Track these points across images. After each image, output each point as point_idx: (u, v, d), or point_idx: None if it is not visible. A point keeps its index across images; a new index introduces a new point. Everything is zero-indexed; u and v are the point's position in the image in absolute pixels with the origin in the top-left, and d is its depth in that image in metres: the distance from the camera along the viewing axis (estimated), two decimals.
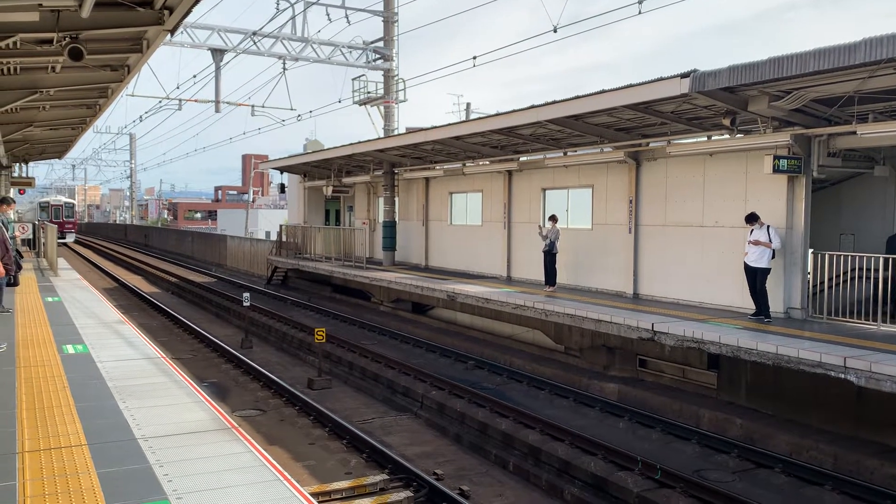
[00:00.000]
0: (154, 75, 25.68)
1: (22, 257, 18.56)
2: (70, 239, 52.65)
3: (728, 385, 11.68)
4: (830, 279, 11.94)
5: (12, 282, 15.31)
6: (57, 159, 40.70)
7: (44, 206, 52.80)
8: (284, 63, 25.83)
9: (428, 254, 23.35)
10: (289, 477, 5.02)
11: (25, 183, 30.80)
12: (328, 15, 25.22)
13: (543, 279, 16.52)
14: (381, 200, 24.86)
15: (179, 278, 31.04)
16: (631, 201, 15.34)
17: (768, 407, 10.92)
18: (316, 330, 13.84)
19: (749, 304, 12.32)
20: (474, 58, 19.60)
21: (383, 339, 17.74)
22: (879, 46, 8.70)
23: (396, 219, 24.32)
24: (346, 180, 27.40)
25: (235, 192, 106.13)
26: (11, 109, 13.49)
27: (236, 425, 6.13)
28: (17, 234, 17.14)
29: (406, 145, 20.58)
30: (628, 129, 15.16)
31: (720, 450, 9.65)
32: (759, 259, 11.91)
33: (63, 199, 56.81)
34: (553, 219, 16.28)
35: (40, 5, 7.50)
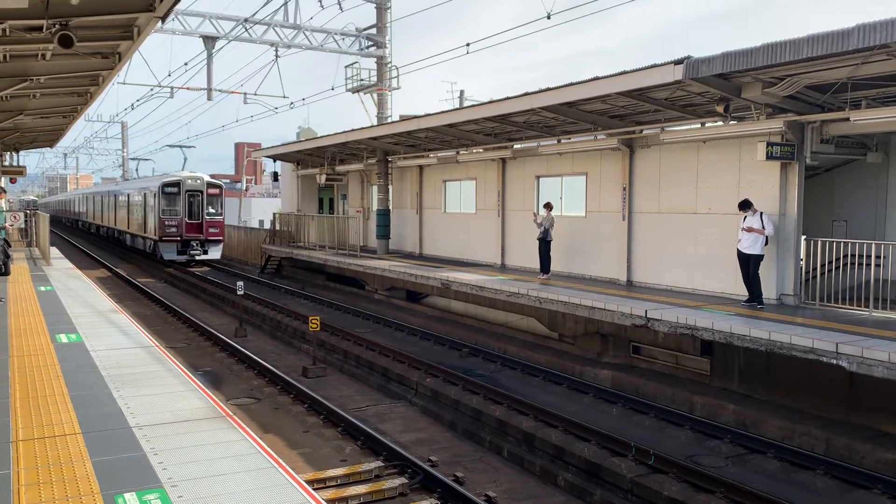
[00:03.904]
0: (145, 63, 25.38)
1: (10, 246, 18.47)
2: (214, 254, 31.16)
3: (721, 371, 11.75)
4: (823, 265, 11.98)
5: (2, 271, 15.26)
6: (48, 148, 40.33)
7: (169, 192, 30.27)
8: (277, 50, 25.66)
9: (422, 242, 23.33)
10: (283, 464, 5.03)
11: (16, 172, 30.55)
12: (320, 1, 25.04)
13: (537, 267, 16.53)
14: (375, 188, 24.79)
15: (173, 267, 30.92)
16: (624, 188, 15.35)
17: (761, 392, 10.99)
18: (310, 318, 13.84)
19: (742, 291, 12.36)
20: (468, 45, 19.51)
21: (378, 328, 17.75)
22: (873, 32, 8.69)
23: (390, 207, 24.28)
24: (340, 168, 27.30)
25: (228, 181, 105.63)
26: (1, 98, 13.38)
27: (231, 413, 6.14)
28: (6, 224, 17.07)
29: (399, 133, 20.51)
30: (622, 117, 15.14)
31: (713, 435, 9.71)
32: (752, 246, 11.94)
33: (204, 177, 31.84)
34: (548, 206, 16.27)
35: None
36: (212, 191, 30.98)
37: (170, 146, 42.59)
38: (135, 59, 17.34)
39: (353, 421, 10.09)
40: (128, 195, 36.93)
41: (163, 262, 30.65)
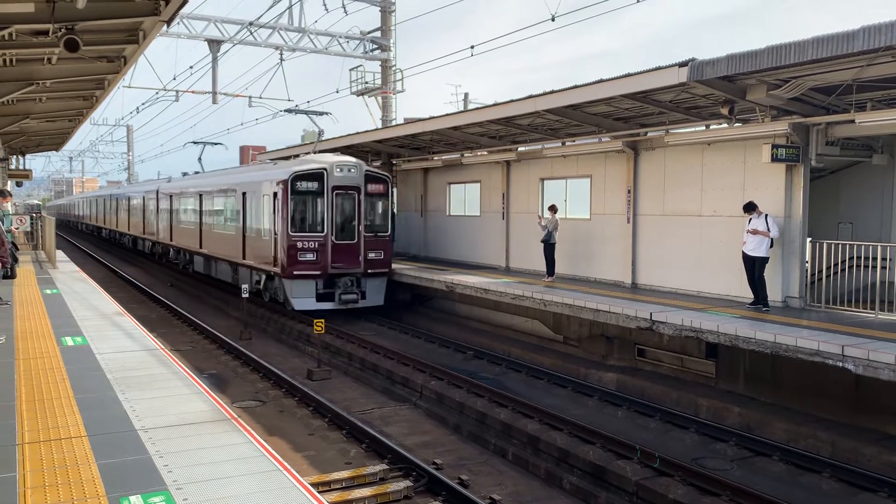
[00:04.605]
0: (150, 66, 25.47)
1: (18, 249, 18.53)
2: (376, 298, 18.73)
3: (726, 374, 11.72)
4: (829, 268, 11.95)
5: (9, 274, 15.31)
6: (54, 151, 40.49)
7: (305, 191, 17.85)
8: (281, 54, 25.70)
9: (426, 244, 23.35)
10: (288, 467, 5.03)
11: (22, 175, 30.72)
12: (325, 5, 25.07)
13: (542, 269, 16.52)
14: None
15: (177, 269, 30.97)
16: (629, 191, 15.33)
17: (766, 395, 10.96)
18: (315, 321, 13.84)
19: (747, 293, 12.33)
20: (472, 47, 19.51)
21: (382, 330, 17.75)
22: (878, 34, 8.67)
23: (395, 209, 24.31)
24: None
25: None
26: (7, 101, 13.45)
27: (236, 416, 6.14)
28: (13, 227, 17.12)
29: (404, 136, 20.54)
30: (626, 119, 15.13)
31: (719, 438, 9.69)
32: (757, 248, 11.92)
33: (362, 164, 18.96)
34: (552, 209, 16.27)
35: None
36: (373, 187, 18.42)
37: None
38: (140, 63, 17.37)
39: (358, 424, 10.09)
40: (199, 195, 24.91)
41: (281, 305, 18.72)
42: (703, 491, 7.80)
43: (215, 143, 32.59)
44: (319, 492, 5.90)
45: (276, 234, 18.06)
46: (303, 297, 17.74)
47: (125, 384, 7.10)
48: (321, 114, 22.41)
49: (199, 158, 31.61)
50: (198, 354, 15.36)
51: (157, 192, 31.49)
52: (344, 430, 10.14)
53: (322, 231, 17.75)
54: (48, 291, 14.09)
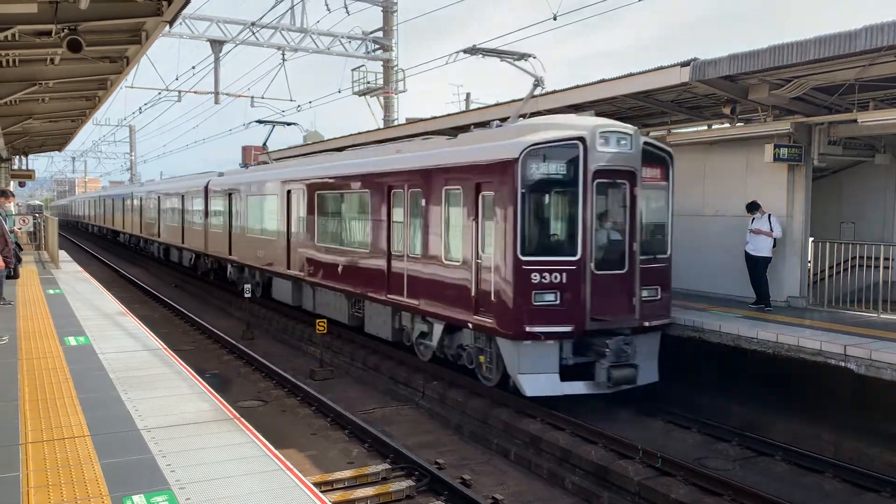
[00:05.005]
0: (153, 67, 25.47)
1: (21, 249, 18.58)
2: (649, 371, 10.48)
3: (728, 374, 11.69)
4: (831, 268, 11.94)
5: (12, 274, 15.35)
6: (57, 151, 40.54)
7: (546, 179, 9.82)
8: (284, 54, 25.74)
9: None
10: (291, 467, 5.04)
11: (25, 175, 30.81)
12: (327, 5, 25.10)
13: None
14: None
15: (179, 269, 31.01)
16: None
17: (769, 395, 10.93)
18: (318, 321, 13.85)
19: (750, 293, 12.32)
20: (474, 46, 19.47)
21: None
22: (880, 34, 8.67)
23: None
24: None
25: None
26: (11, 102, 13.48)
27: (238, 416, 6.15)
28: (15, 227, 17.16)
29: (405, 136, 20.51)
30: (628, 119, 15.08)
31: (721, 438, 9.68)
32: (759, 248, 11.91)
33: (632, 130, 10.29)
34: None
35: None
36: (651, 172, 10.60)
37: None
38: (143, 63, 17.34)
39: (360, 423, 10.10)
40: (285, 193, 17.62)
41: (506, 390, 10.77)
42: (706, 491, 7.79)
43: (288, 124, 24.67)
44: (322, 491, 5.91)
45: (481, 255, 10.55)
46: (538, 373, 10.11)
47: (128, 384, 7.12)
48: (521, 56, 12.77)
49: (265, 143, 24.29)
50: (200, 354, 15.37)
51: (207, 188, 24.12)
52: (346, 430, 10.15)
53: (574, 253, 9.98)
54: (51, 291, 14.11)
